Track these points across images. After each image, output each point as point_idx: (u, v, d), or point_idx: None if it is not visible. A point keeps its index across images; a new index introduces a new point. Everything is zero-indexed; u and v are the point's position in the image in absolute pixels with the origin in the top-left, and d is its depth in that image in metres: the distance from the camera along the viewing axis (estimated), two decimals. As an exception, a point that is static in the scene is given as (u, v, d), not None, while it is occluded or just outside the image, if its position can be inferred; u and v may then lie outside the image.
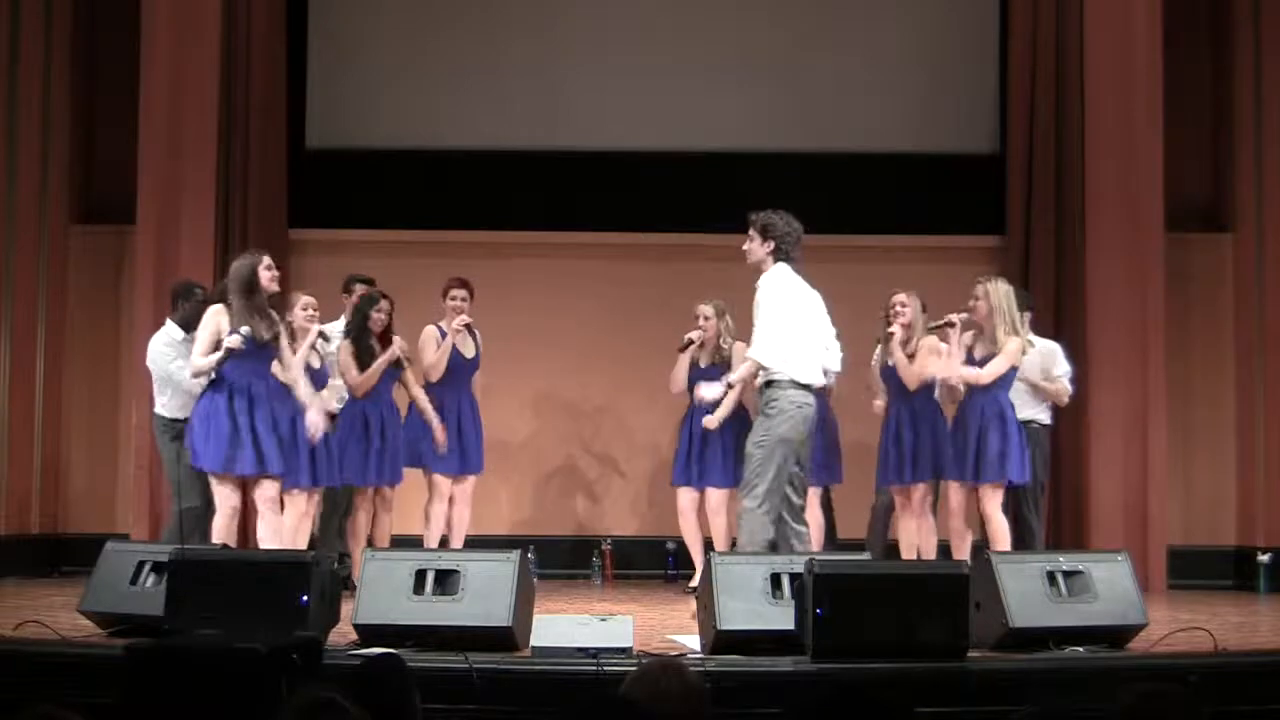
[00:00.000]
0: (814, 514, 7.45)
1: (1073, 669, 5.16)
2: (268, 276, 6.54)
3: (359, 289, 7.93)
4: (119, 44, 9.19)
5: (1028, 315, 7.95)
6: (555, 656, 5.01)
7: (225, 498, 6.46)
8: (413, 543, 7.43)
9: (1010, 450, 6.93)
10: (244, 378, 6.46)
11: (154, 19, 8.76)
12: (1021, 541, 7.59)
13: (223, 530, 6.46)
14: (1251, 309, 9.20)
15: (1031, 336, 7.91)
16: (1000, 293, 7.04)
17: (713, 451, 7.81)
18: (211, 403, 6.45)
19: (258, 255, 6.64)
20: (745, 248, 6.60)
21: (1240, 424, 9.25)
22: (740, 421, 7.52)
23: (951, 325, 7.11)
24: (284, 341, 6.67)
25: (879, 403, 7.64)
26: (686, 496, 7.97)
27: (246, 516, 6.84)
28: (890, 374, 7.38)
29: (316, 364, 7.22)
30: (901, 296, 7.40)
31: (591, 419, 9.52)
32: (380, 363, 7.46)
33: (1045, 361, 7.86)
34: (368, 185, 9.56)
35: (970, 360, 7.08)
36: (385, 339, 7.57)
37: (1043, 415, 7.92)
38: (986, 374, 6.96)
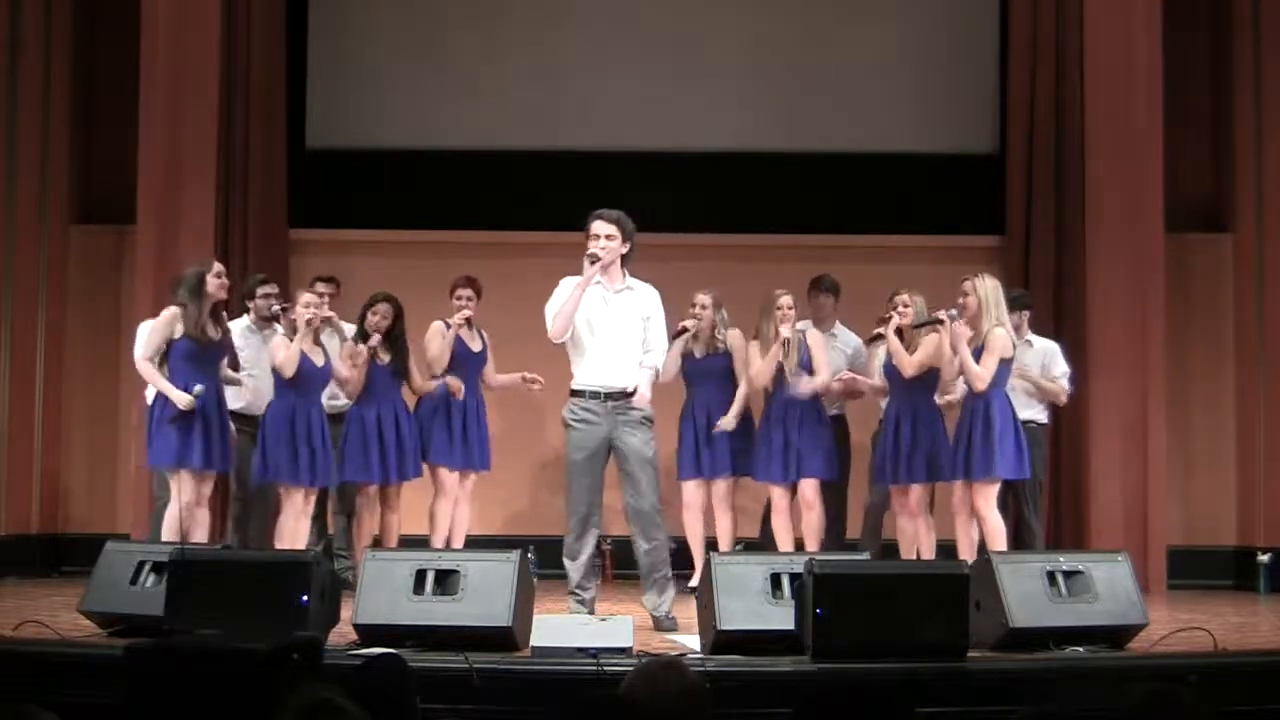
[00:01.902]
0: (816, 508, 7.44)
1: (1073, 669, 5.16)
2: (215, 284, 6.90)
3: (319, 288, 7.79)
4: (119, 44, 9.18)
5: (1026, 314, 7.96)
6: (555, 656, 5.01)
7: (182, 491, 6.73)
8: (414, 542, 7.43)
9: (1004, 446, 6.82)
10: (192, 379, 6.76)
11: (154, 19, 8.75)
12: (1021, 541, 7.58)
13: (174, 522, 6.70)
14: (1251, 309, 9.18)
15: (1030, 336, 7.93)
16: (988, 286, 6.98)
17: (720, 442, 7.78)
18: (159, 402, 6.83)
19: (209, 263, 7.03)
20: (608, 245, 6.42)
21: (1240, 424, 9.24)
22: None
23: (940, 322, 7.02)
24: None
25: (877, 383, 7.58)
26: (696, 491, 7.88)
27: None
28: (893, 372, 7.35)
29: (320, 361, 7.23)
30: (904, 296, 7.36)
31: (591, 419, 9.48)
32: (346, 352, 7.47)
33: (1045, 360, 7.87)
34: (368, 185, 9.56)
35: None
36: (389, 341, 7.55)
37: (1041, 415, 7.92)
38: (985, 374, 6.81)
